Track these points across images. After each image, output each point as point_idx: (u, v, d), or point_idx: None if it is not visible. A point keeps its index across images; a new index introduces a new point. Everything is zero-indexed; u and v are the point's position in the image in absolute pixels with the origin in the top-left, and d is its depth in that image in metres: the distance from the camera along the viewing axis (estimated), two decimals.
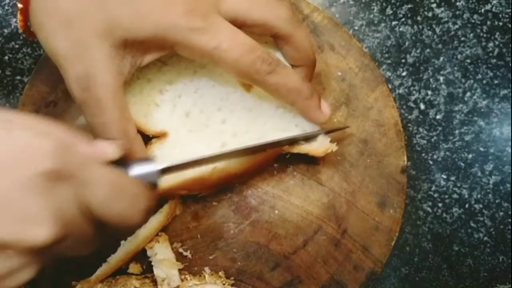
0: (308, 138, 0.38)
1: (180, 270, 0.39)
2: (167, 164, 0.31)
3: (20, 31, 0.34)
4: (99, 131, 0.32)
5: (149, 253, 0.38)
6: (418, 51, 0.48)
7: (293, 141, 0.38)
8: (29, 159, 0.22)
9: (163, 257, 0.38)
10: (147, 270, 0.39)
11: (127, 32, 0.30)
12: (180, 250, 0.40)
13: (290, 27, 0.34)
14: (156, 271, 0.38)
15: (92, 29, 0.30)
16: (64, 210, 0.23)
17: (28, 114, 0.25)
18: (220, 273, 0.39)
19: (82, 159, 0.24)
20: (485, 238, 0.45)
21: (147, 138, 0.37)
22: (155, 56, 0.33)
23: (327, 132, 0.38)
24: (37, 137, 0.23)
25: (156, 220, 0.38)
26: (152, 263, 0.38)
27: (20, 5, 0.31)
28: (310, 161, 0.41)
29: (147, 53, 0.33)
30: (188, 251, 0.40)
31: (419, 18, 0.48)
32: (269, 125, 0.38)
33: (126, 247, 0.37)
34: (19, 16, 0.32)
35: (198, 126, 0.38)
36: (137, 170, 0.29)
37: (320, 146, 0.38)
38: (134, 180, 0.27)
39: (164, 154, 0.37)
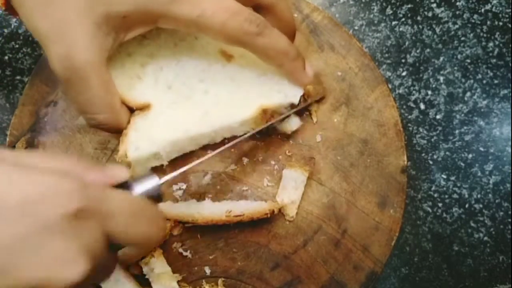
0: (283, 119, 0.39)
1: (178, 282, 0.39)
2: (167, 178, 0.31)
3: (3, 11, 0.34)
4: (84, 107, 0.32)
5: (145, 270, 0.38)
6: (418, 51, 0.48)
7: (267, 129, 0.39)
8: (54, 202, 0.22)
9: (160, 271, 0.38)
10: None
11: (109, 7, 0.30)
12: (180, 250, 0.40)
13: None
14: (155, 287, 0.38)
15: (73, 7, 0.29)
16: (91, 244, 0.23)
17: (40, 153, 0.25)
18: (220, 281, 0.39)
19: (100, 191, 0.24)
20: (485, 238, 0.45)
21: (130, 111, 0.38)
22: (139, 32, 0.33)
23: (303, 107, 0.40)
24: (58, 179, 0.23)
25: None
26: (150, 280, 0.38)
27: None
28: (310, 160, 0.41)
29: (130, 29, 0.32)
30: (188, 251, 0.40)
31: (419, 18, 0.49)
32: (252, 93, 0.39)
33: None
34: None
35: (180, 97, 0.38)
36: (141, 187, 0.29)
37: (294, 125, 0.40)
38: (146, 199, 0.28)
39: (148, 125, 0.37)
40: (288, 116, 0.40)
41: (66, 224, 0.22)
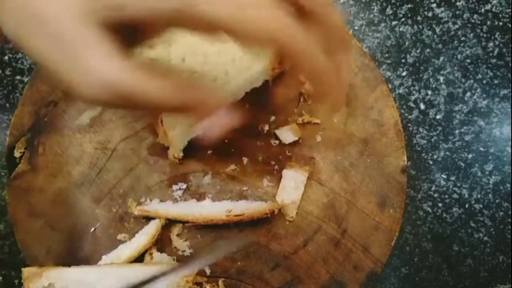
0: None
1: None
2: None
3: None
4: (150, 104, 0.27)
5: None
6: (418, 51, 0.48)
7: None
8: None
9: (165, 263, 0.38)
10: None
11: (124, 11, 0.25)
12: (180, 250, 0.40)
13: (327, 4, 0.29)
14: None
15: (75, 18, 0.25)
16: None
17: None
18: (220, 282, 0.39)
19: None
20: (485, 238, 0.45)
21: None
22: (161, 33, 0.29)
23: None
24: None
25: (141, 242, 0.38)
26: None
27: None
28: (310, 160, 0.41)
29: (153, 31, 0.29)
30: (188, 251, 0.40)
31: (419, 18, 0.48)
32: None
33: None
34: None
35: (197, 66, 0.39)
36: None
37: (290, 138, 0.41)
38: None
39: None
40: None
41: None
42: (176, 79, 0.28)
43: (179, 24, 0.27)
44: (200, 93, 0.29)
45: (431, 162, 0.46)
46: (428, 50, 0.48)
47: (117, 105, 0.27)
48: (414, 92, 0.47)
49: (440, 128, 0.47)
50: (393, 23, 0.48)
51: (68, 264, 0.40)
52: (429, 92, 0.47)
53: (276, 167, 0.41)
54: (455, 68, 0.48)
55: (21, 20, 0.25)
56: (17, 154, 0.42)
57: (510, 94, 0.47)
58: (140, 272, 0.35)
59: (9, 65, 0.47)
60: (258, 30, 0.26)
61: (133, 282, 0.29)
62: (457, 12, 0.49)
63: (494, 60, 0.48)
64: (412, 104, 0.47)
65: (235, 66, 0.38)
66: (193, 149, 0.40)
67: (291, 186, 0.40)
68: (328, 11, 0.29)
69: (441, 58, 0.48)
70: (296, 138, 0.41)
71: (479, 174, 0.46)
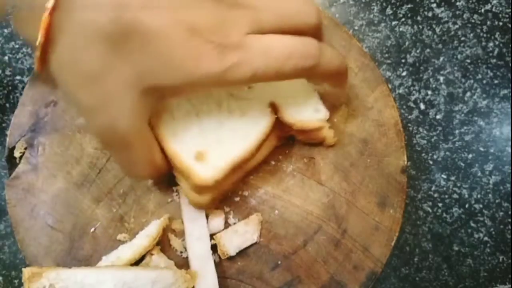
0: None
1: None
2: None
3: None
4: (127, 166, 0.33)
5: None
6: (418, 51, 0.48)
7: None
8: None
9: (164, 266, 0.38)
10: None
11: (159, 80, 0.29)
12: (180, 249, 0.40)
13: (317, 16, 0.33)
14: None
15: (121, 81, 0.28)
16: None
17: None
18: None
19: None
20: (485, 238, 0.45)
21: None
22: (185, 97, 0.34)
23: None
24: None
25: (142, 243, 0.38)
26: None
27: (38, 53, 0.28)
28: (310, 160, 0.41)
29: (177, 95, 0.33)
30: (186, 254, 0.40)
31: (419, 18, 0.49)
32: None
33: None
34: (37, 54, 0.29)
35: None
36: None
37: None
38: None
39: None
40: None
41: None
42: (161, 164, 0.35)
43: (214, 87, 0.33)
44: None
45: (431, 162, 0.46)
46: (428, 50, 0.48)
47: (106, 149, 0.33)
48: (414, 92, 0.47)
49: (440, 128, 0.47)
50: (393, 23, 0.48)
51: (68, 265, 0.40)
52: (429, 92, 0.47)
53: (276, 166, 0.42)
54: (455, 68, 0.48)
55: (75, 78, 0.29)
56: (17, 154, 0.42)
57: (510, 94, 0.47)
58: (141, 275, 0.35)
59: (9, 65, 0.47)
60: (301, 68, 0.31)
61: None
62: (457, 12, 0.49)
63: (494, 60, 0.48)
64: (412, 104, 0.47)
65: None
66: None
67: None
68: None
69: (441, 58, 0.48)
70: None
71: (479, 174, 0.46)
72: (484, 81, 0.47)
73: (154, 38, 0.28)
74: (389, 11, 0.48)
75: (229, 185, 0.39)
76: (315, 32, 0.33)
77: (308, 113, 0.38)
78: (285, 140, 0.41)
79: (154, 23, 0.28)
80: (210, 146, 0.37)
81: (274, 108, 0.38)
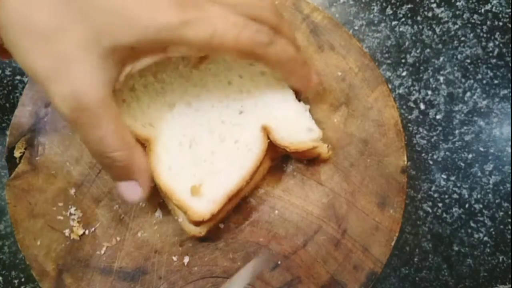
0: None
1: None
2: None
3: None
4: (96, 146, 0.30)
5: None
6: (418, 51, 0.48)
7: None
8: None
9: None
10: None
11: (116, 39, 0.28)
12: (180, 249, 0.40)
13: (277, 18, 0.34)
14: None
15: (75, 42, 0.27)
16: None
17: None
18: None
19: None
20: (485, 238, 0.45)
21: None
22: (146, 62, 0.31)
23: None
24: None
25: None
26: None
27: None
28: (310, 160, 0.41)
29: (137, 59, 0.31)
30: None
31: (419, 18, 0.49)
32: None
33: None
34: None
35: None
36: None
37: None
38: None
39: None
40: None
41: None
42: (126, 136, 0.32)
43: (172, 45, 0.31)
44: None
45: (431, 162, 0.46)
46: (428, 50, 0.48)
47: (72, 126, 0.30)
48: (414, 92, 0.47)
49: (440, 128, 0.47)
50: (393, 23, 0.48)
51: (68, 265, 0.40)
52: (429, 92, 0.47)
53: (276, 166, 0.42)
54: (455, 68, 0.48)
55: (28, 39, 0.27)
56: (17, 154, 0.42)
57: (510, 94, 0.47)
58: None
59: (9, 65, 0.47)
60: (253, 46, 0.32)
61: None
62: (457, 12, 0.49)
63: (494, 60, 0.48)
64: (412, 104, 0.47)
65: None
66: None
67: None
68: (278, 20, 0.34)
69: (441, 58, 0.48)
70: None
71: (479, 174, 0.46)
72: (484, 81, 0.47)
73: None
74: (389, 11, 0.49)
75: (226, 213, 0.39)
76: (274, 28, 0.34)
77: (301, 134, 0.38)
78: (279, 160, 0.41)
79: None
80: (204, 178, 0.37)
81: (266, 131, 0.38)
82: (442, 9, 0.49)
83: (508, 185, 0.45)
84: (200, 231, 0.37)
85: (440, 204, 0.45)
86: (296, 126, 0.38)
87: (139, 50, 0.30)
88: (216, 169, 0.37)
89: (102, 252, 0.40)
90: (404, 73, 0.48)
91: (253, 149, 0.37)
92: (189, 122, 0.38)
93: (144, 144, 0.37)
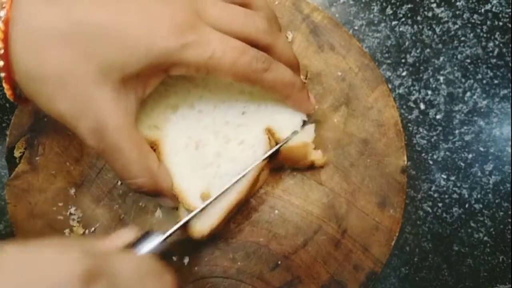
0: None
1: None
2: (170, 232, 0.32)
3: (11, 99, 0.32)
4: (122, 173, 0.32)
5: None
6: (418, 51, 0.48)
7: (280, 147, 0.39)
8: (62, 269, 0.23)
9: None
10: None
11: (122, 70, 0.29)
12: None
13: (270, 37, 0.34)
14: None
15: (88, 80, 0.29)
16: None
17: (51, 241, 0.25)
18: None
19: (105, 254, 0.25)
20: (485, 238, 0.45)
21: None
22: (155, 84, 0.33)
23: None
24: (64, 252, 0.24)
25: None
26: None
27: (2, 74, 0.29)
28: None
29: (146, 84, 0.32)
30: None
31: (419, 18, 0.49)
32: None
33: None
34: (5, 85, 0.30)
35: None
36: (146, 246, 0.30)
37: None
38: (151, 257, 0.29)
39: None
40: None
41: (76, 286, 0.23)
42: (152, 161, 0.33)
43: (173, 67, 0.32)
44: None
45: (431, 162, 0.46)
46: (428, 50, 0.48)
47: (101, 156, 0.33)
48: (414, 92, 0.47)
49: (440, 128, 0.47)
50: (393, 23, 0.48)
51: None
52: (429, 92, 0.47)
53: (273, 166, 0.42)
54: (455, 68, 0.48)
55: (47, 87, 0.29)
56: (17, 154, 0.42)
57: (510, 94, 0.47)
58: None
59: None
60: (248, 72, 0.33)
61: None
62: (457, 12, 0.49)
63: (494, 60, 0.48)
64: (412, 104, 0.47)
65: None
66: None
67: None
68: (271, 39, 0.35)
69: (441, 58, 0.48)
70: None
71: (479, 174, 0.46)
72: (484, 81, 0.47)
73: (106, 28, 0.29)
74: (389, 11, 0.49)
75: (225, 221, 0.39)
76: (271, 51, 0.35)
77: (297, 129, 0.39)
78: (275, 170, 0.42)
79: (104, 14, 0.29)
80: (212, 182, 0.37)
81: (270, 133, 0.38)
82: (442, 9, 0.49)
83: (508, 185, 0.45)
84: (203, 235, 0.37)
85: (440, 204, 0.45)
86: (294, 123, 0.39)
87: (145, 76, 0.31)
88: (222, 172, 0.37)
89: None
90: (404, 73, 0.48)
91: (258, 151, 0.38)
92: (194, 124, 0.38)
93: (152, 147, 0.37)
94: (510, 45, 0.48)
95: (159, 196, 0.35)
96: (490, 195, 0.46)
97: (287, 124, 0.39)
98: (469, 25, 0.48)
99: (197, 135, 0.38)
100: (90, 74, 0.29)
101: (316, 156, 0.40)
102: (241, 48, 0.32)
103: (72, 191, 0.41)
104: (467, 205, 0.45)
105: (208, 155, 0.38)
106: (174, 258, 0.40)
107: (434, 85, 0.47)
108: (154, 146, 0.37)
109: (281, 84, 0.35)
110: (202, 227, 0.36)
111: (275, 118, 0.39)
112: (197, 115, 0.39)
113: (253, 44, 0.34)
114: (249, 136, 0.38)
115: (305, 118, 0.39)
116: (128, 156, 0.31)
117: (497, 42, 0.48)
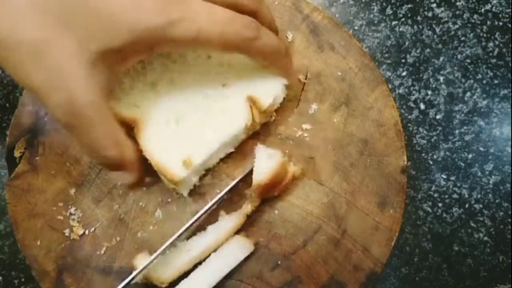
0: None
1: None
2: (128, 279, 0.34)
3: None
4: (91, 147, 0.31)
5: None
6: (418, 51, 0.48)
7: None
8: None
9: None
10: None
11: (103, 44, 0.29)
12: None
13: (255, 2, 0.34)
14: None
15: (65, 52, 0.28)
16: None
17: None
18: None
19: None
20: (485, 238, 0.45)
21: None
22: (134, 61, 0.32)
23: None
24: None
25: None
26: None
27: None
28: (310, 160, 0.41)
29: (126, 60, 0.31)
30: None
31: (419, 18, 0.49)
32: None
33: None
34: None
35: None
36: None
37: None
38: None
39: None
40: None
41: None
42: (117, 132, 0.32)
43: (159, 45, 0.31)
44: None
45: (431, 162, 0.46)
46: (428, 50, 0.48)
47: (68, 131, 0.31)
48: (414, 92, 0.47)
49: (440, 128, 0.47)
50: (393, 23, 0.48)
51: (68, 264, 0.40)
52: (429, 92, 0.47)
53: None
54: (455, 68, 0.48)
55: (19, 55, 0.28)
56: (17, 154, 0.42)
57: (510, 94, 0.47)
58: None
59: None
60: (234, 36, 0.32)
61: None
62: (457, 12, 0.49)
63: (494, 60, 0.48)
64: (412, 104, 0.47)
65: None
66: None
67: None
68: (257, 4, 0.35)
69: (441, 58, 0.48)
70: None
71: (479, 174, 0.46)
72: (484, 81, 0.47)
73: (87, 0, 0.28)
74: (389, 11, 0.49)
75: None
76: (256, 17, 0.34)
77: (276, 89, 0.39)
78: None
79: None
80: (194, 150, 0.37)
81: (252, 101, 0.39)
82: (442, 9, 0.49)
83: (508, 185, 0.45)
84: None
85: (440, 204, 0.45)
86: (275, 88, 0.39)
87: (126, 52, 0.30)
88: (205, 141, 0.38)
89: (102, 252, 0.40)
90: (404, 73, 0.48)
91: (240, 119, 0.38)
92: (174, 99, 0.39)
93: (131, 125, 0.37)
94: (510, 45, 0.48)
95: (120, 170, 0.34)
96: (490, 195, 0.46)
97: (268, 90, 0.39)
98: (469, 25, 0.48)
99: (178, 110, 0.38)
100: (68, 44, 0.28)
101: (294, 168, 0.40)
102: (230, 17, 0.32)
103: (72, 191, 0.41)
104: (467, 205, 0.45)
105: (189, 127, 0.38)
106: None
107: (434, 85, 0.47)
108: (132, 124, 0.37)
109: (269, 50, 0.35)
110: (163, 274, 0.37)
111: (255, 86, 0.39)
112: (177, 90, 0.39)
113: (239, 10, 0.33)
114: (230, 106, 0.39)
115: (286, 83, 0.39)
116: (98, 130, 0.30)
117: (497, 42, 0.48)
